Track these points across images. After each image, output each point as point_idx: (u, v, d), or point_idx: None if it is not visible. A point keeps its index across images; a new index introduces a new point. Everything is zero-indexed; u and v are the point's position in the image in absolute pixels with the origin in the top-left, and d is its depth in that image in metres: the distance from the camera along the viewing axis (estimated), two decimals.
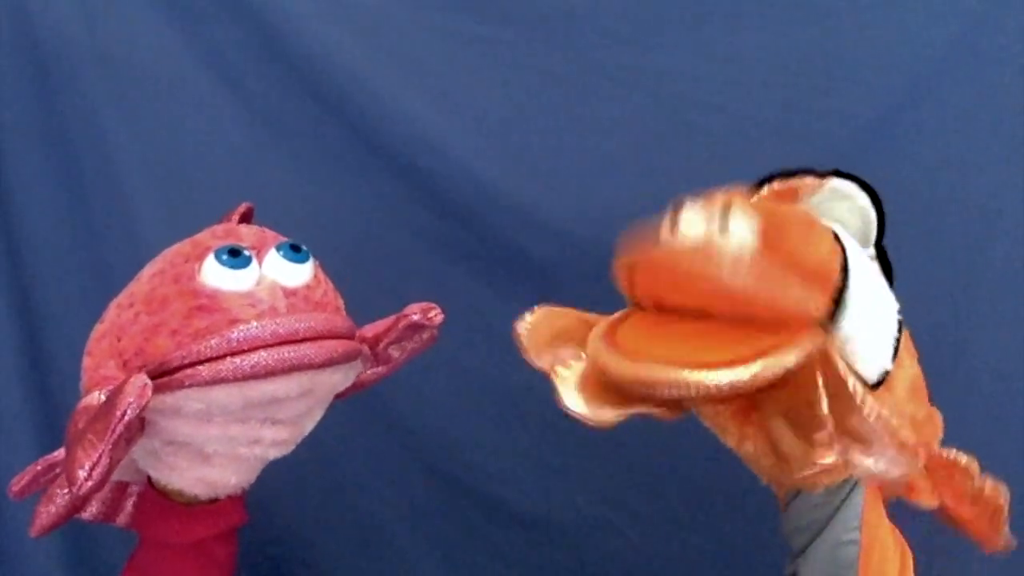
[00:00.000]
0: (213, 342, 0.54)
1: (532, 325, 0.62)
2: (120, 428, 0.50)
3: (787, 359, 0.52)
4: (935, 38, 0.90)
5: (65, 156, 0.97)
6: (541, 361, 0.62)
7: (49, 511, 0.63)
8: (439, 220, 0.96)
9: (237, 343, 0.55)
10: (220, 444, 0.59)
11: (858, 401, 0.52)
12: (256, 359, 0.54)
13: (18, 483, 0.59)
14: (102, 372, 0.59)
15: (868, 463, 0.52)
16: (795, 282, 0.53)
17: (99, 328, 0.62)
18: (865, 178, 0.61)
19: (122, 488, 0.67)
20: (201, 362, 0.54)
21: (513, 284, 0.96)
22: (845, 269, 0.54)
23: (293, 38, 0.94)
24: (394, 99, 0.94)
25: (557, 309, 0.64)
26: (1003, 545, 0.60)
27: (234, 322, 0.56)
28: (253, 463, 0.63)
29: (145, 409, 0.51)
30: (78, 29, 0.95)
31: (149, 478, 0.64)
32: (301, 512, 1.00)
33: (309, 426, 0.65)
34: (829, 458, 0.52)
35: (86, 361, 0.61)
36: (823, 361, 0.53)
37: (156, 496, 0.64)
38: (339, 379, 0.62)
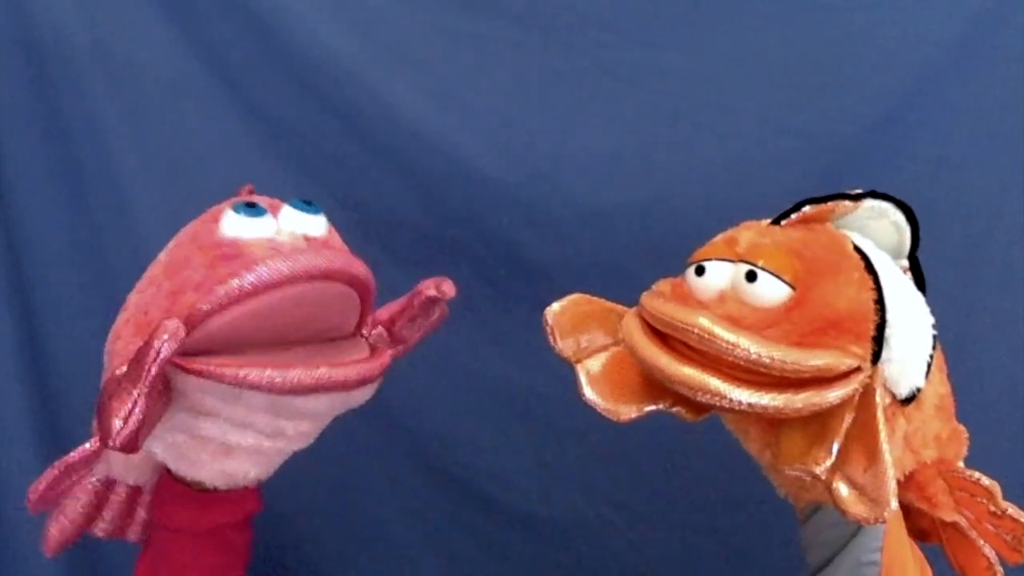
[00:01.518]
0: (236, 282, 0.52)
1: (560, 310, 0.62)
2: (155, 368, 0.49)
3: (831, 395, 0.51)
4: (939, 37, 0.89)
5: (65, 155, 0.97)
6: (565, 347, 0.61)
7: (62, 525, 0.63)
8: (439, 220, 0.96)
9: (260, 282, 0.52)
10: (244, 436, 0.59)
11: (881, 433, 0.51)
12: (292, 376, 0.53)
13: (35, 491, 0.58)
14: (131, 348, 0.56)
15: (844, 494, 0.51)
16: (832, 336, 0.52)
17: (122, 316, 0.62)
18: (900, 197, 0.60)
19: (133, 498, 0.67)
20: (229, 304, 0.52)
21: (513, 284, 0.96)
22: (881, 301, 0.53)
23: (293, 37, 0.94)
24: (395, 98, 0.94)
25: (586, 297, 0.63)
26: (1022, 560, 0.60)
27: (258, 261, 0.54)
28: (274, 457, 0.63)
29: (182, 373, 0.51)
30: (78, 29, 0.95)
31: (167, 468, 0.64)
32: (301, 512, 1.00)
33: (328, 418, 0.65)
34: (819, 468, 0.51)
35: (116, 345, 0.61)
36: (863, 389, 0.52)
37: (173, 483, 0.64)
38: (367, 391, 0.63)
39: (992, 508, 0.57)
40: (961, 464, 0.61)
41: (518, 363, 0.96)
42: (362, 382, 0.58)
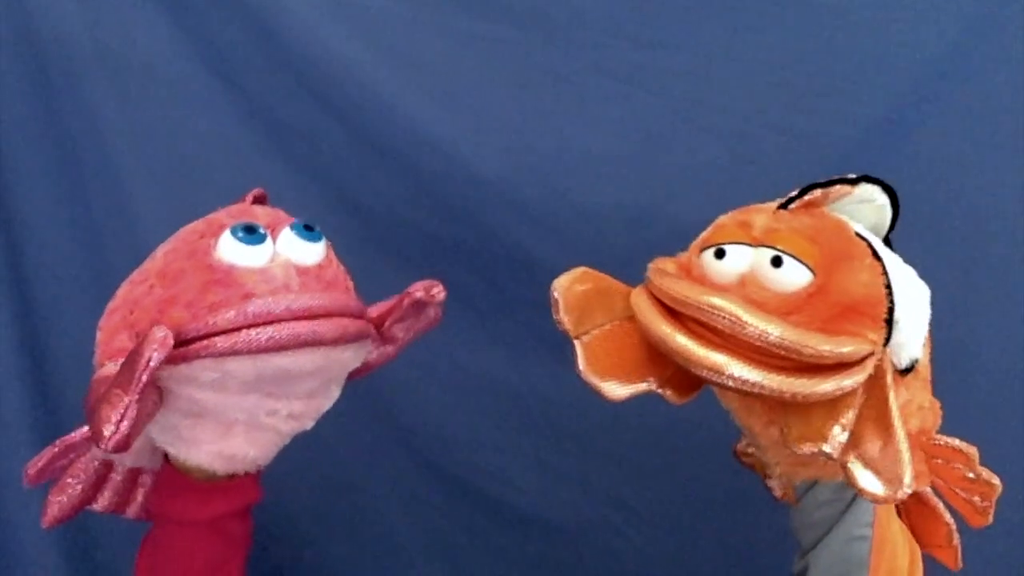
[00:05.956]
0: (230, 314, 0.55)
1: (567, 285, 0.61)
2: (145, 377, 0.50)
3: (850, 381, 0.51)
4: (938, 39, 0.90)
5: (65, 155, 0.97)
6: (569, 321, 0.60)
7: (60, 501, 0.64)
8: (439, 220, 0.96)
9: (253, 316, 0.55)
10: (240, 413, 0.60)
11: (893, 412, 0.52)
12: (271, 333, 0.55)
13: (34, 466, 0.59)
14: (115, 344, 0.59)
15: (859, 474, 0.51)
16: (850, 321, 0.53)
17: (110, 305, 0.62)
18: (887, 181, 0.61)
19: (133, 477, 0.68)
20: (217, 334, 0.55)
21: (513, 284, 0.96)
22: (889, 286, 0.54)
23: (293, 38, 0.94)
24: (395, 98, 0.94)
25: (592, 272, 0.63)
26: (985, 524, 0.61)
27: (248, 296, 0.56)
28: (272, 436, 0.63)
29: (165, 364, 0.52)
30: (78, 28, 0.95)
31: (166, 457, 0.65)
32: (301, 511, 1.00)
33: (326, 404, 0.65)
34: (830, 446, 0.51)
35: (98, 336, 0.62)
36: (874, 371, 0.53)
37: (173, 473, 0.64)
38: (350, 357, 0.63)
39: (969, 473, 0.58)
40: (936, 434, 0.62)
41: (518, 363, 0.96)
42: (341, 339, 0.58)
